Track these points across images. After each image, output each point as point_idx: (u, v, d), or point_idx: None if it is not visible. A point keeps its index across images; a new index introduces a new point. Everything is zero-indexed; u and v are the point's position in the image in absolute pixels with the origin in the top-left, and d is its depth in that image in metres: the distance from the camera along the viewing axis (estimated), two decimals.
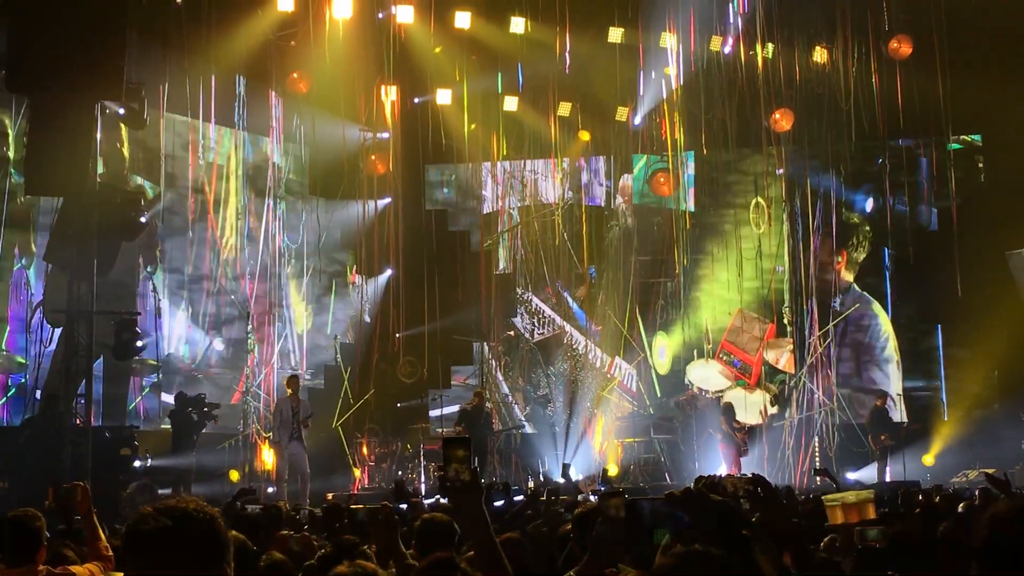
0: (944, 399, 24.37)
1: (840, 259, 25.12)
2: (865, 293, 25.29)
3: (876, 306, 25.21)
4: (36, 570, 6.25)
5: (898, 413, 23.33)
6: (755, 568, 3.46)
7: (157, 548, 2.92)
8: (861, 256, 25.40)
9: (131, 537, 2.99)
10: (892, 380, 24.73)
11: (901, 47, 22.95)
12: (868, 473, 21.46)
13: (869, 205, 25.37)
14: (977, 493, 11.80)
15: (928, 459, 21.75)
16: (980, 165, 24.95)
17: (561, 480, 19.84)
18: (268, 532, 8.33)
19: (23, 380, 20.76)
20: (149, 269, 22.67)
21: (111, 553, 6.84)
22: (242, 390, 23.03)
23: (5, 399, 20.91)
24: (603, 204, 26.69)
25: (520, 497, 14.42)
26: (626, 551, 4.50)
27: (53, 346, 19.87)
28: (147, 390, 22.72)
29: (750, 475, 5.32)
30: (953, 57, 22.20)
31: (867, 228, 25.38)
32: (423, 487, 20.28)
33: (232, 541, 3.08)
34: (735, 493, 4.99)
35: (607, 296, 26.05)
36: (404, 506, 9.76)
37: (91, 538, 6.97)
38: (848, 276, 25.32)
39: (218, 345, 23.86)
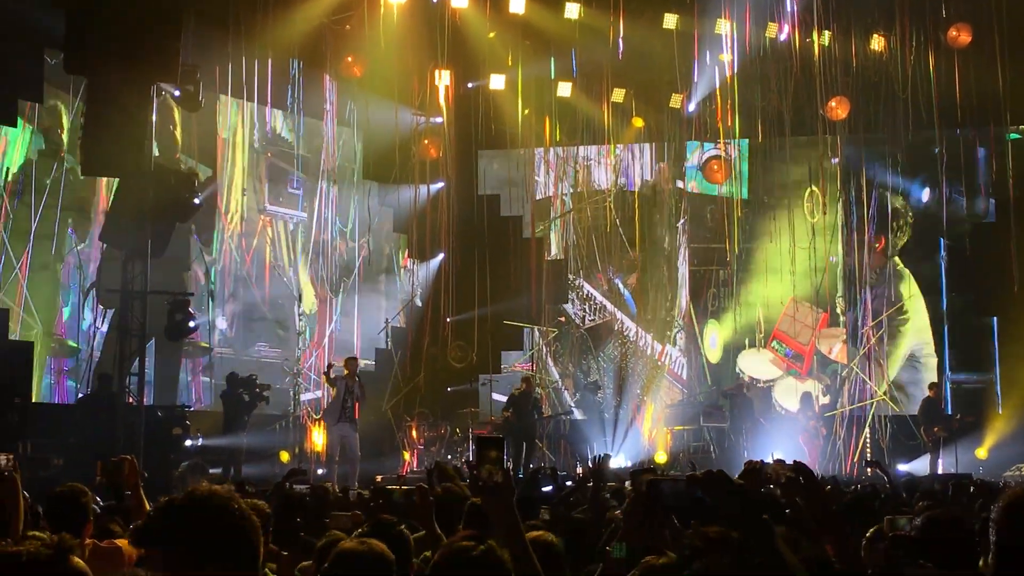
0: (999, 392, 24.14)
1: (878, 245, 25.01)
2: (906, 270, 25.16)
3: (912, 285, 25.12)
4: (83, 544, 6.34)
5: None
6: (776, 555, 3.42)
7: (161, 541, 2.93)
8: (902, 241, 25.22)
9: (137, 536, 2.98)
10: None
11: (960, 36, 22.76)
12: (920, 465, 21.27)
13: (925, 195, 25.11)
14: None
15: (981, 452, 21.53)
16: None
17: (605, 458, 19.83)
18: (316, 514, 8.37)
19: (75, 364, 21.02)
20: (204, 253, 22.84)
21: None
22: (294, 372, 23.19)
23: (55, 382, 21.14)
24: (655, 189, 26.56)
25: (569, 483, 14.44)
26: (649, 530, 4.49)
27: (106, 327, 20.13)
28: (200, 372, 22.98)
29: (792, 462, 5.26)
30: (1013, 46, 21.97)
31: (909, 214, 25.19)
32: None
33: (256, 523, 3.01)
34: (776, 479, 4.95)
35: (658, 284, 26.02)
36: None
37: (138, 512, 7.04)
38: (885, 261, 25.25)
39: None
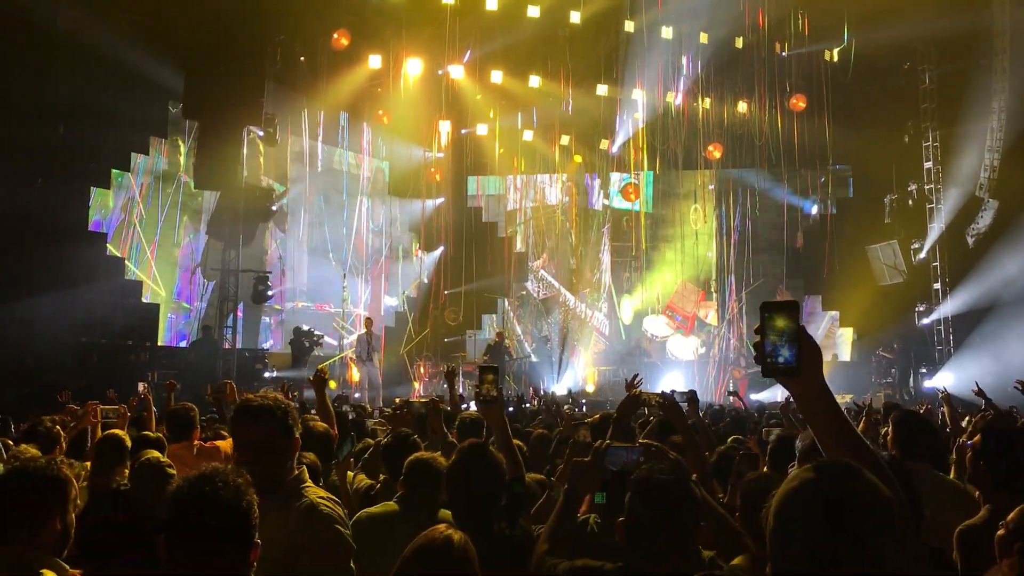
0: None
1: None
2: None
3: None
4: (192, 444, 6.43)
5: None
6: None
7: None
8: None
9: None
10: None
11: (798, 102, 22.83)
12: (769, 394, 21.34)
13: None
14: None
15: None
16: (850, 184, 24.76)
17: (554, 392, 19.91)
18: (359, 424, 8.39)
19: (188, 319, 20.96)
20: (277, 242, 22.72)
21: None
22: (340, 327, 23.16)
23: (175, 331, 21.08)
24: (591, 206, 26.59)
25: (527, 405, 14.55)
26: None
27: (209, 293, 20.08)
28: (274, 325, 22.88)
29: (660, 392, 5.26)
30: (834, 110, 22.09)
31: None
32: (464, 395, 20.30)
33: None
34: (650, 403, 4.97)
35: (592, 268, 26.08)
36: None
37: None
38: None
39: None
